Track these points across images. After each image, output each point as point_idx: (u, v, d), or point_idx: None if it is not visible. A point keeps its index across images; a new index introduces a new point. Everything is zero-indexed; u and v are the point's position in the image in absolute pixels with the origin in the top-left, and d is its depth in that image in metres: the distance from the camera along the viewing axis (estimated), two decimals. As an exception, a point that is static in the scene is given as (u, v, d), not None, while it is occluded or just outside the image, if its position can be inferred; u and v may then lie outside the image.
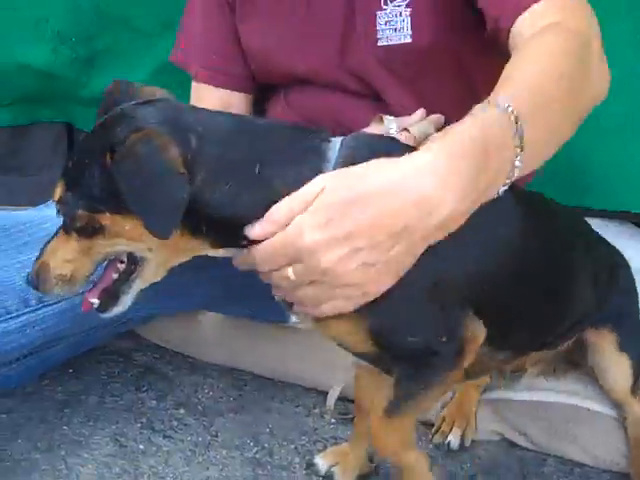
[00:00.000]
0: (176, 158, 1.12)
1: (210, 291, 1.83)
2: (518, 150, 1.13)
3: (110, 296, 1.26)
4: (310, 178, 1.14)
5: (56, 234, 1.23)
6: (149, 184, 1.10)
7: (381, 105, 1.73)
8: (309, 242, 1.08)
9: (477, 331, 1.32)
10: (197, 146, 1.16)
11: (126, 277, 1.25)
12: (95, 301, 1.27)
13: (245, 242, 1.19)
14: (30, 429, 1.77)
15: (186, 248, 1.23)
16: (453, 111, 1.28)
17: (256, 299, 1.70)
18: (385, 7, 1.63)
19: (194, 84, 2.00)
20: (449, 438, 1.81)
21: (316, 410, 1.93)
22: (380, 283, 1.13)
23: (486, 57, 1.61)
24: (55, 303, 1.60)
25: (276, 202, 1.15)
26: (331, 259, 1.09)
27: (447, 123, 1.28)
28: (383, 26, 1.64)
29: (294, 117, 1.84)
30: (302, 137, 1.25)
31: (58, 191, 1.21)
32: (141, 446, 1.75)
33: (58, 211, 1.22)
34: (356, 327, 1.21)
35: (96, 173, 1.15)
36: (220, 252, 1.26)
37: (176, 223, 1.13)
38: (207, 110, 1.31)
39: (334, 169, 1.16)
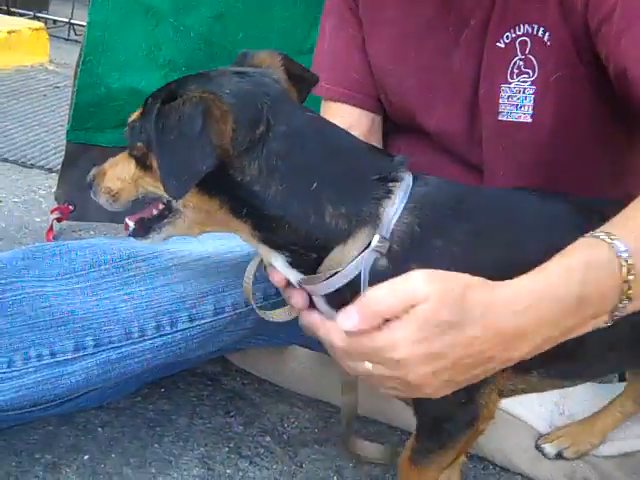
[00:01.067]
0: (223, 132, 1.16)
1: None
2: (624, 298, 1.11)
3: (144, 228, 1.35)
4: (360, 219, 1.21)
5: (125, 149, 1.32)
6: (178, 143, 1.14)
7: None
8: (400, 356, 1.07)
9: (493, 399, 1.35)
10: (262, 134, 1.19)
11: (160, 219, 1.33)
12: (131, 224, 1.36)
13: (298, 253, 1.25)
14: (124, 444, 1.82)
15: (222, 221, 1.27)
16: None
17: None
18: (511, 81, 1.59)
19: (325, 103, 1.92)
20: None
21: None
22: (445, 392, 1.16)
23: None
24: (154, 337, 1.64)
25: (321, 226, 1.21)
26: (418, 374, 1.09)
27: None
28: (505, 100, 1.61)
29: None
30: (374, 167, 1.25)
31: (134, 114, 1.30)
32: (228, 470, 1.78)
33: (126, 130, 1.30)
34: None
35: (152, 119, 1.19)
36: (259, 248, 1.30)
37: (188, 190, 1.17)
38: (298, 106, 1.32)
39: (395, 220, 1.20)
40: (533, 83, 1.56)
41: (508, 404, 1.90)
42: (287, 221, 1.22)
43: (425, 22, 1.71)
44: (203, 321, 1.68)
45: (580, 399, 1.90)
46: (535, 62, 1.56)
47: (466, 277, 1.09)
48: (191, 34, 2.59)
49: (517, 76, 1.57)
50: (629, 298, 1.10)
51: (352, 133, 1.44)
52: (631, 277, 1.09)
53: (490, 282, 1.09)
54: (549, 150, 1.60)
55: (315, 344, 1.91)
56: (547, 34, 1.53)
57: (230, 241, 1.71)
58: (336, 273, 1.23)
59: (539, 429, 1.87)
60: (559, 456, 1.84)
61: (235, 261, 1.70)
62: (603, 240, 1.11)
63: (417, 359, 1.07)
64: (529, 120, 1.57)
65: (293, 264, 1.28)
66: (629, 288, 1.09)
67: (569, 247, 1.12)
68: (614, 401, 1.84)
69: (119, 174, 1.32)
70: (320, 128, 1.29)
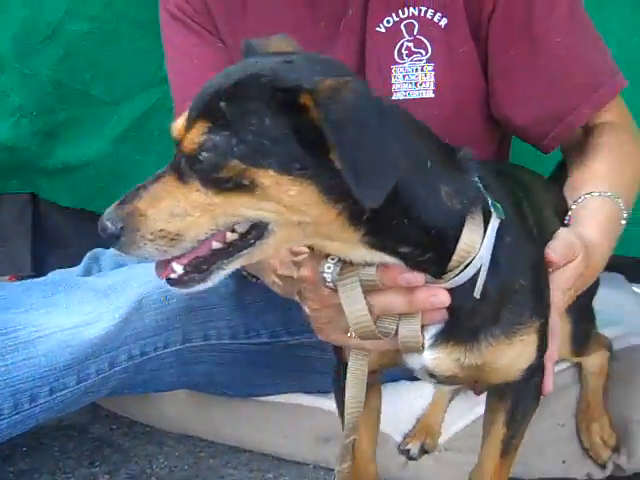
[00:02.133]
0: None
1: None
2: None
3: (199, 269, 1.07)
4: (469, 198, 1.15)
5: (158, 178, 1.04)
6: (362, 135, 0.95)
7: None
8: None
9: None
10: None
11: (233, 250, 1.07)
12: (179, 269, 1.08)
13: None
14: (-20, 512, 1.78)
15: (329, 232, 1.07)
16: None
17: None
18: (401, 61, 1.64)
19: None
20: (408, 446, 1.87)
21: (270, 475, 1.93)
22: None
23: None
24: (12, 416, 1.55)
25: (439, 208, 1.11)
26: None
27: None
28: (400, 80, 1.65)
29: None
30: (451, 150, 1.20)
31: (196, 131, 1.03)
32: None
33: (177, 148, 1.06)
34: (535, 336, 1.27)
35: (268, 121, 1.00)
36: (385, 259, 1.12)
37: (389, 188, 0.97)
38: None
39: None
40: (430, 60, 1.62)
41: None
42: (410, 211, 1.09)
43: (293, 23, 1.70)
44: (65, 391, 1.63)
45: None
46: (427, 42, 1.62)
47: (581, 236, 1.39)
48: (39, 78, 2.54)
49: (408, 56, 1.63)
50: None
51: None
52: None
53: (586, 238, 1.40)
54: (451, 124, 1.60)
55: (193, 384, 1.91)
56: (438, 14, 1.61)
57: (97, 309, 1.67)
58: (468, 264, 1.15)
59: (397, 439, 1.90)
60: (424, 452, 1.88)
61: (101, 332, 1.65)
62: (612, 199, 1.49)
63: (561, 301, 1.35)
64: (432, 95, 1.63)
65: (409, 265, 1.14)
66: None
67: (594, 203, 1.49)
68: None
69: (174, 208, 1.03)
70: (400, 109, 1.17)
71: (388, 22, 1.64)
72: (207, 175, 1.02)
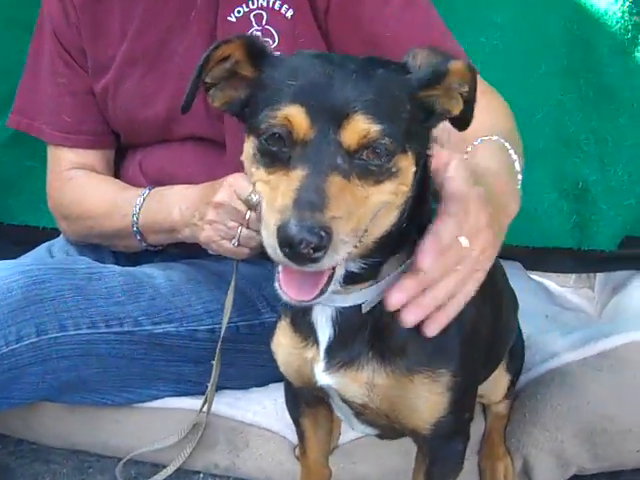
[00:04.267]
0: None
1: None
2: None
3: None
4: None
5: (318, 179, 1.00)
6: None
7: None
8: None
9: None
10: None
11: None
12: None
13: None
14: None
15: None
16: None
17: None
18: None
19: (50, 148, 2.01)
20: None
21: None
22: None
23: None
24: None
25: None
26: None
27: None
28: None
29: (144, 181, 1.92)
30: None
31: (359, 126, 1.04)
32: None
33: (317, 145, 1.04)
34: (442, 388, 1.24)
35: (409, 109, 1.10)
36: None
37: None
38: None
39: None
40: (276, 49, 1.71)
41: (265, 422, 1.85)
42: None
43: (145, 14, 1.82)
44: None
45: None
46: (274, 31, 1.75)
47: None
48: None
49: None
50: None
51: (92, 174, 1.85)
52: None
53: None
54: None
55: (57, 396, 1.81)
56: (285, 6, 1.74)
57: None
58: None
59: (294, 441, 1.81)
60: None
61: None
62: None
63: None
64: None
65: None
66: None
67: (485, 146, 1.43)
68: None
69: (350, 207, 1.01)
70: None
71: (239, 12, 1.76)
72: (367, 168, 1.04)
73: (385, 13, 1.73)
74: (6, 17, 2.40)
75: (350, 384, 1.27)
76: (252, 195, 1.51)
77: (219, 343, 1.68)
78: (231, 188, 1.59)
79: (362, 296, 1.20)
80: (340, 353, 1.26)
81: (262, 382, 1.91)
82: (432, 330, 1.16)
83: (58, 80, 1.95)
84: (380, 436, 1.49)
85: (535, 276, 2.63)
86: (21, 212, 2.55)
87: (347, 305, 1.21)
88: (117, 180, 1.99)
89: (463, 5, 2.34)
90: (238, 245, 1.60)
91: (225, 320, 1.67)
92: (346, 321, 1.24)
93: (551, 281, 2.72)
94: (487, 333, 1.38)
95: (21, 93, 2.02)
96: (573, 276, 2.73)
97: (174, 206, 1.73)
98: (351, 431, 1.81)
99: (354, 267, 1.17)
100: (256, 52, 1.15)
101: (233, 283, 1.66)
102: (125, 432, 1.89)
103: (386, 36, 1.70)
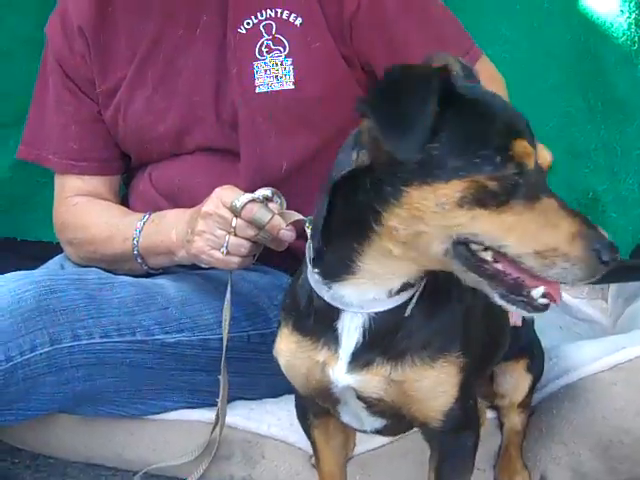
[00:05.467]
0: None
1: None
2: None
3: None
4: None
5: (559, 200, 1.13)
6: None
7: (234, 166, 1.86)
8: None
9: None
10: None
11: None
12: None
13: None
14: None
15: None
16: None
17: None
18: (261, 57, 1.80)
19: (57, 175, 2.05)
20: None
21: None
22: None
23: None
24: None
25: None
26: None
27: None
28: (262, 74, 1.80)
29: (155, 193, 1.95)
30: None
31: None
32: None
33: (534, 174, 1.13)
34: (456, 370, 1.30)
35: None
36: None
37: None
38: None
39: None
40: (288, 56, 1.79)
41: (280, 433, 1.86)
42: None
43: (154, 33, 1.89)
44: None
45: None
46: (284, 40, 1.81)
47: None
48: None
49: (268, 53, 1.80)
50: None
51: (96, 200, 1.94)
52: None
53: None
54: (315, 112, 1.83)
55: (73, 408, 1.82)
56: (293, 15, 1.80)
57: None
58: None
59: (310, 451, 1.81)
60: None
61: None
62: None
63: None
64: (292, 87, 1.80)
65: None
66: None
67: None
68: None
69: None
70: None
71: (248, 24, 1.82)
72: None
73: (408, 18, 1.81)
74: (24, 36, 2.43)
75: (370, 381, 1.30)
76: (236, 202, 1.56)
77: (223, 357, 1.70)
78: (218, 198, 1.61)
79: (397, 300, 1.26)
80: (363, 354, 1.30)
81: (275, 392, 1.91)
82: None
83: (64, 108, 2.00)
84: (382, 432, 1.49)
85: (549, 288, 2.61)
86: (35, 228, 2.57)
87: (385, 309, 1.26)
88: (120, 206, 2.03)
89: (471, 18, 2.36)
90: (227, 253, 1.61)
91: (225, 331, 1.69)
92: (377, 326, 1.28)
93: (565, 292, 2.70)
94: (480, 321, 1.41)
95: (29, 124, 2.08)
96: (586, 287, 2.72)
97: (171, 228, 1.76)
98: (366, 442, 1.82)
99: None
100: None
101: (228, 296, 1.68)
102: (140, 445, 1.89)
103: (411, 40, 1.80)
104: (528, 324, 1.80)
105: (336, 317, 1.29)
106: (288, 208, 1.65)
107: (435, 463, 1.42)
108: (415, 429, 1.48)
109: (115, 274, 1.88)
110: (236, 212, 1.57)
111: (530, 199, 1.11)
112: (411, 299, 1.27)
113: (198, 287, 1.87)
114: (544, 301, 1.14)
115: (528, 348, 1.81)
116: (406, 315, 1.27)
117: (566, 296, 2.71)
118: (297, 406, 1.57)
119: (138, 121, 1.92)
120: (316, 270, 1.27)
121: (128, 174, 2.12)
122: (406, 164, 1.10)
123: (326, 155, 1.77)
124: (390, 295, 1.26)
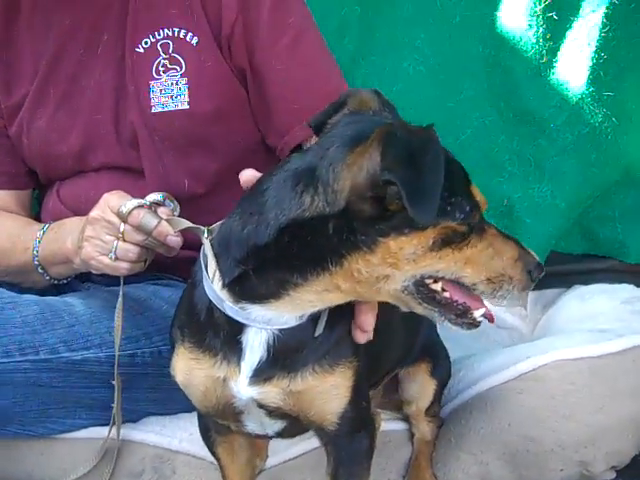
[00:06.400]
0: None
1: None
2: None
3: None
4: None
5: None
6: None
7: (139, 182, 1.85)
8: None
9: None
10: None
11: None
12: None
13: None
14: None
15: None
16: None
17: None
18: (158, 77, 1.80)
19: None
20: None
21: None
22: None
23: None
24: None
25: None
26: None
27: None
28: (158, 94, 1.81)
29: (63, 209, 1.95)
30: None
31: None
32: None
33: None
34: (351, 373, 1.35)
35: None
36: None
37: None
38: None
39: None
40: (183, 75, 1.80)
41: (192, 449, 1.86)
42: None
43: (56, 51, 1.88)
44: None
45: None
46: (180, 59, 1.82)
47: None
48: None
49: (164, 72, 1.81)
50: None
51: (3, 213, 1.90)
52: None
53: None
54: (210, 132, 1.85)
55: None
56: (190, 34, 1.82)
57: None
58: None
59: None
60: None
61: None
62: None
63: None
64: (186, 107, 1.81)
65: None
66: None
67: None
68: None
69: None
70: None
71: (146, 43, 1.83)
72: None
73: (277, 47, 1.82)
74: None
75: (270, 392, 1.33)
76: (122, 207, 1.55)
77: (115, 366, 1.70)
78: (105, 203, 1.61)
79: (303, 318, 1.29)
80: (265, 369, 1.32)
81: (188, 406, 1.90)
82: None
83: None
84: (282, 434, 1.51)
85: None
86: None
87: (290, 326, 1.29)
88: (25, 218, 2.01)
89: (386, 31, 2.41)
90: (116, 259, 1.60)
91: (117, 342, 1.69)
92: (281, 342, 1.30)
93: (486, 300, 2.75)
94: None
95: None
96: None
97: (67, 235, 1.75)
98: (278, 454, 1.85)
99: None
100: None
101: (119, 306, 1.68)
102: (49, 464, 1.86)
103: (277, 69, 1.81)
104: (426, 326, 1.86)
105: (239, 332, 1.30)
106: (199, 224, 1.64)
107: (331, 469, 1.45)
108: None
109: (21, 292, 1.86)
110: (123, 217, 1.56)
111: (480, 232, 1.22)
112: (317, 317, 1.30)
113: (108, 304, 1.85)
114: (481, 318, 1.27)
115: (430, 351, 1.86)
116: (316, 335, 1.31)
117: (486, 303, 2.76)
118: (200, 424, 1.58)
119: (41, 138, 1.91)
120: (226, 289, 1.26)
121: (40, 192, 2.11)
122: (389, 219, 1.15)
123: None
124: (301, 317, 1.29)
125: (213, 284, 1.28)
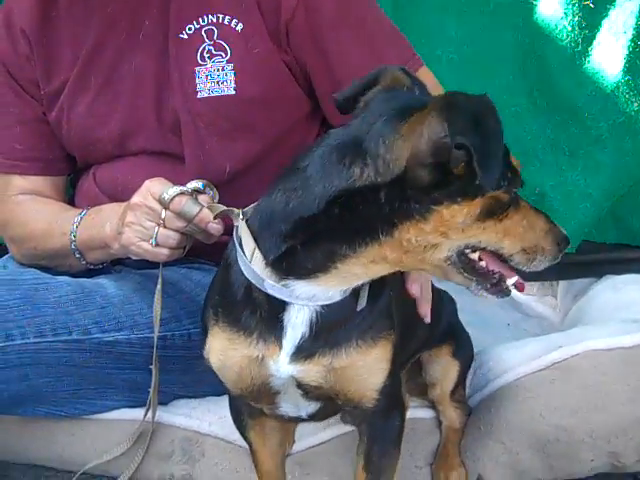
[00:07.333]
0: None
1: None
2: None
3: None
4: None
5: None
6: None
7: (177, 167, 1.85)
8: None
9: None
10: None
11: None
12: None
13: None
14: None
15: None
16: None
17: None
18: (203, 63, 1.81)
19: (1, 175, 2.03)
20: None
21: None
22: None
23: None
24: None
25: None
26: None
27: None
28: (203, 80, 1.81)
29: (98, 192, 1.96)
30: None
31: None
32: None
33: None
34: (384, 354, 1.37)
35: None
36: None
37: None
38: None
39: None
40: (229, 61, 1.79)
41: (221, 432, 1.87)
42: None
43: (96, 39, 1.89)
44: None
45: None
46: (225, 45, 1.82)
47: None
48: None
49: (209, 58, 1.81)
50: None
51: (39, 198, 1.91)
52: None
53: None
54: (256, 117, 1.84)
55: (10, 409, 1.81)
56: (235, 20, 1.81)
57: None
58: None
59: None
60: None
61: None
62: None
63: None
64: (233, 92, 1.81)
65: None
66: None
67: None
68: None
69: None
70: None
71: (190, 29, 1.83)
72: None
73: (344, 25, 1.82)
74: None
75: (311, 370, 1.34)
76: (164, 194, 1.56)
77: (155, 349, 1.71)
78: (147, 190, 1.61)
79: (345, 293, 1.31)
80: (306, 346, 1.33)
81: (217, 389, 1.91)
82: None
83: (8, 110, 1.99)
84: (314, 416, 1.51)
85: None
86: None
87: (333, 302, 1.31)
88: (61, 203, 2.02)
89: (419, 19, 2.39)
90: (156, 245, 1.61)
91: (156, 326, 1.69)
92: (324, 319, 1.32)
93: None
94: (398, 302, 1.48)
95: None
96: (537, 284, 2.77)
97: (106, 221, 1.76)
98: (305, 439, 1.85)
99: None
100: None
101: (159, 286, 1.68)
102: (81, 445, 1.89)
103: (344, 49, 1.81)
104: (448, 310, 1.88)
105: (280, 310, 1.31)
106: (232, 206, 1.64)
107: (364, 447, 1.47)
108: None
109: (56, 274, 1.88)
110: (165, 204, 1.57)
111: (516, 204, 1.25)
112: (358, 291, 1.33)
113: (139, 286, 1.87)
114: (512, 287, 1.32)
115: (452, 334, 1.89)
116: (359, 309, 1.33)
117: (516, 293, 2.75)
118: (231, 408, 1.58)
119: (81, 124, 1.92)
120: (269, 267, 1.27)
121: (75, 175, 2.12)
122: (446, 187, 1.17)
123: (269, 159, 1.86)
124: (345, 291, 1.30)
125: (252, 264, 1.29)
